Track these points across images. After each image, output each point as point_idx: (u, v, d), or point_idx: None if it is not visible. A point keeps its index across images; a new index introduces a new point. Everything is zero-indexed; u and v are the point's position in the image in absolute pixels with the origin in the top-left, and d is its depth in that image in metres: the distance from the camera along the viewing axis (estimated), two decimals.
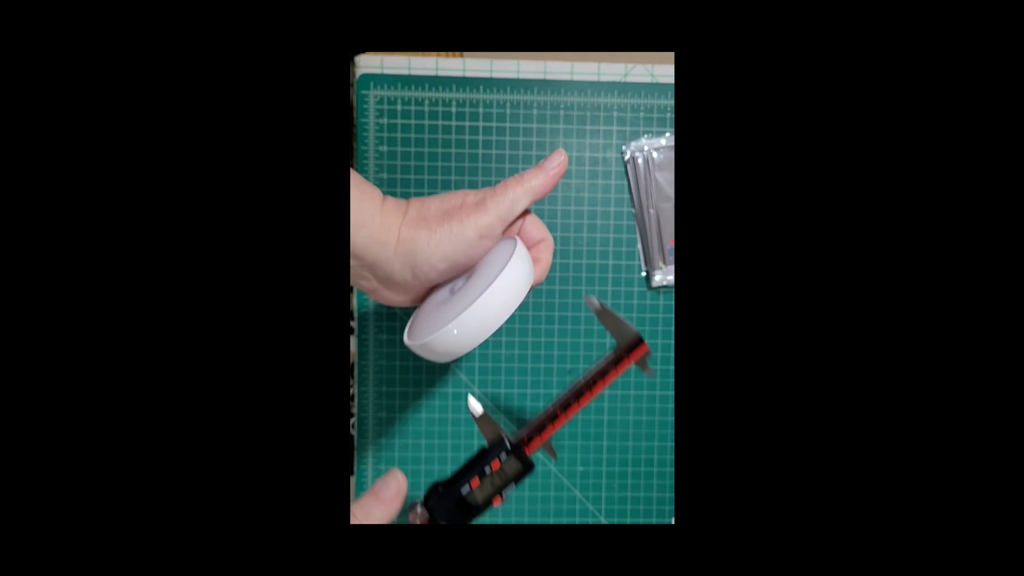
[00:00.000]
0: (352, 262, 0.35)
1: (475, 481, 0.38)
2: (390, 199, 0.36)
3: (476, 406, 0.38)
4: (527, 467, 0.38)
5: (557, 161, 0.37)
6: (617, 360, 0.39)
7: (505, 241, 0.38)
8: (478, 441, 0.54)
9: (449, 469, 0.52)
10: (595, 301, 0.39)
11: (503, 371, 0.56)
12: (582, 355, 0.54)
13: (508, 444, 0.38)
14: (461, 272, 0.38)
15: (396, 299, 0.38)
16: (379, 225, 0.34)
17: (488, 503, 0.38)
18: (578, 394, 0.39)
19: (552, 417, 0.39)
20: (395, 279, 0.36)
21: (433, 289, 0.40)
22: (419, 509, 0.38)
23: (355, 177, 0.35)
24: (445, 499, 0.38)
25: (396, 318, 0.54)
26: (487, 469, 0.38)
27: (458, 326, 0.34)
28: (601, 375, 0.39)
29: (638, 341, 0.39)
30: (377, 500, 0.35)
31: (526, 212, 0.39)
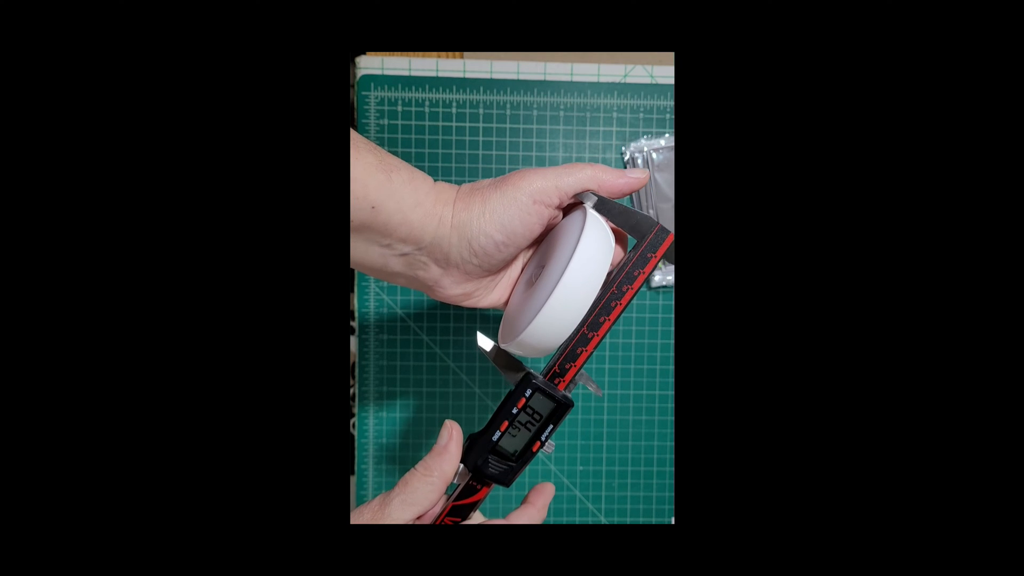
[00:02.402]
0: (406, 249, 0.34)
1: (504, 425, 0.35)
2: (441, 181, 0.35)
3: (485, 341, 0.35)
4: (560, 404, 0.35)
5: (637, 175, 0.35)
6: (643, 258, 0.34)
7: (574, 214, 0.35)
8: None
9: None
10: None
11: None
12: None
13: (531, 379, 0.34)
14: (519, 245, 0.35)
15: (456, 290, 0.36)
16: (434, 201, 0.33)
17: (528, 450, 0.35)
18: (607, 309, 0.34)
19: (584, 340, 0.34)
20: (453, 258, 0.34)
21: (509, 289, 0.38)
22: (460, 467, 0.35)
23: (403, 163, 0.34)
24: (478, 449, 0.35)
25: (396, 318, 0.54)
26: (513, 409, 0.35)
27: (547, 315, 0.32)
28: (630, 280, 0.34)
29: (663, 231, 0.34)
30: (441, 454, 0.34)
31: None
